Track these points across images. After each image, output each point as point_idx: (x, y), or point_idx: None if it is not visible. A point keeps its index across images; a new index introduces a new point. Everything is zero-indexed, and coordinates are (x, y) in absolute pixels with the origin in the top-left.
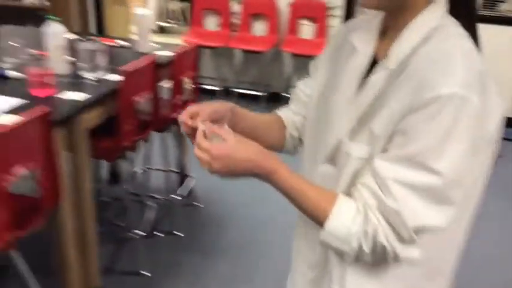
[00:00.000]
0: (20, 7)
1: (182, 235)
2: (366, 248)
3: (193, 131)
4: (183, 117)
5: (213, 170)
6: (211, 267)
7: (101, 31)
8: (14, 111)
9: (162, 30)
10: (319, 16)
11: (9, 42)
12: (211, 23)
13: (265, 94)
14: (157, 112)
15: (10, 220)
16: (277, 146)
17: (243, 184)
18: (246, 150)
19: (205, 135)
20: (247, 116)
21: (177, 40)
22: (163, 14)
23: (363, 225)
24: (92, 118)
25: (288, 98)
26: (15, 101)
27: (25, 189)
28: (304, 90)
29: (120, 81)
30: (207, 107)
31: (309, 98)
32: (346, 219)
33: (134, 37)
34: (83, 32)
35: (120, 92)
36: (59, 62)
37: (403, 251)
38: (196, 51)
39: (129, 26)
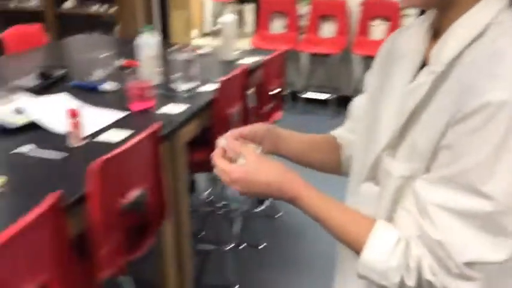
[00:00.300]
0: (85, 15)
1: (266, 246)
2: (410, 283)
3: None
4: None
5: (234, 190)
6: (296, 280)
7: (165, 36)
8: (116, 125)
9: (218, 34)
10: (392, 16)
11: (100, 56)
12: (278, 25)
13: (334, 98)
14: (245, 122)
15: (123, 243)
16: (333, 169)
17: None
18: (266, 174)
19: (225, 155)
20: (292, 138)
21: (240, 43)
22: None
23: (404, 258)
24: (189, 131)
25: None
26: (115, 115)
27: (134, 208)
28: (359, 105)
29: (215, 92)
30: (240, 129)
31: (363, 111)
32: (383, 251)
33: (218, 44)
34: None
35: (215, 104)
36: (151, 73)
37: (456, 286)
38: (284, 57)
39: (189, 30)
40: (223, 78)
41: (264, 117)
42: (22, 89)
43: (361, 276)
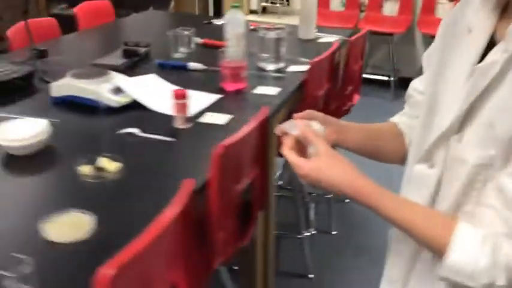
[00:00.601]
0: None
1: (337, 232)
2: (500, 282)
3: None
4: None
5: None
6: (369, 268)
7: (217, 13)
8: (213, 106)
9: (264, 11)
10: None
11: (186, 33)
12: (338, 2)
13: (394, 79)
14: (328, 105)
15: (235, 231)
16: (397, 158)
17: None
18: (337, 177)
19: (295, 144)
20: (353, 127)
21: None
22: None
23: (493, 258)
24: (281, 115)
25: None
26: (212, 96)
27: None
28: (418, 88)
29: (306, 73)
30: (309, 114)
31: (422, 95)
32: (470, 251)
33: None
34: (204, 15)
35: (306, 86)
36: (238, 52)
37: None
38: (366, 37)
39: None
40: (315, 59)
41: (346, 100)
42: (108, 68)
43: (444, 279)
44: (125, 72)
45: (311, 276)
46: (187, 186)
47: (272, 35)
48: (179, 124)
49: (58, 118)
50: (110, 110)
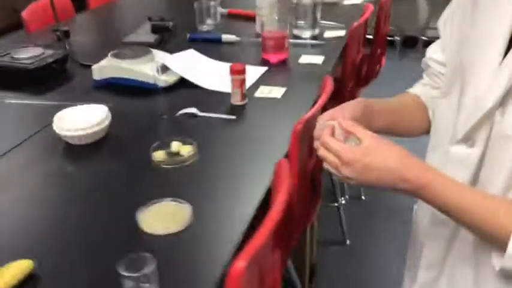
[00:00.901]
0: None
1: (367, 197)
2: None
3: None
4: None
5: (341, 176)
6: (401, 232)
7: None
8: (262, 79)
9: None
10: None
11: (212, 3)
12: None
13: (399, 39)
14: (361, 69)
15: (307, 207)
16: (420, 131)
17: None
18: (387, 157)
19: (333, 133)
20: (383, 108)
21: None
22: None
23: None
24: None
25: (426, 42)
26: (258, 70)
27: None
28: (435, 57)
29: (346, 38)
30: (341, 110)
31: (443, 66)
32: None
33: None
34: None
35: (346, 52)
36: (272, 21)
37: None
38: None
39: None
40: (353, 24)
41: (376, 62)
42: (141, 45)
43: (505, 270)
44: (158, 49)
45: (348, 242)
46: (283, 169)
47: (308, 0)
48: (236, 100)
49: (105, 102)
50: (158, 91)
